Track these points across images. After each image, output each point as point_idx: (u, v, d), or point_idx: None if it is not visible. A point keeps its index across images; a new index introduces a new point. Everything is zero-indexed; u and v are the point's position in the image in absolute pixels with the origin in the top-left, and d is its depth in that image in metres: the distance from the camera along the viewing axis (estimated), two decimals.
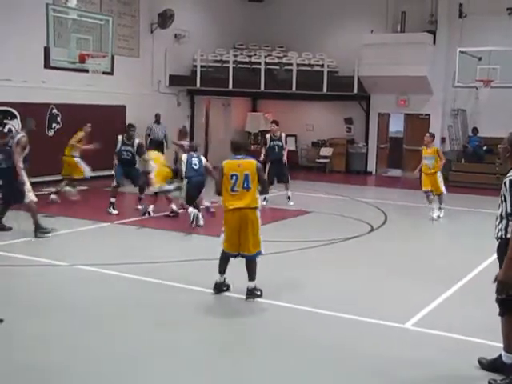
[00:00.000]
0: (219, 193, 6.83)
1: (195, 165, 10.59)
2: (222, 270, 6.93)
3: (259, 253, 6.84)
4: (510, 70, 16.39)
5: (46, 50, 12.69)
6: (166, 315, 6.45)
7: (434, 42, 19.85)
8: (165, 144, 17.18)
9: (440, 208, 12.32)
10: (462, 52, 17.40)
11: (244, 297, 6.86)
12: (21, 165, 9.61)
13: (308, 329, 6.24)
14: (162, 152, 15.56)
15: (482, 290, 5.00)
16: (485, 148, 19.20)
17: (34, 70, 14.32)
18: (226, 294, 7.06)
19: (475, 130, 19.48)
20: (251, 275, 6.81)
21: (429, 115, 20.31)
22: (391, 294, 7.46)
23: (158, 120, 17.74)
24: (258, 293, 6.82)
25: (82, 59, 13.23)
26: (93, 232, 10.60)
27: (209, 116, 22.27)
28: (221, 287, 6.96)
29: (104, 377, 4.98)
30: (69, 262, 8.34)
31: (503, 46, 16.68)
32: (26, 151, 9.83)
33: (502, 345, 5.06)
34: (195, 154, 10.86)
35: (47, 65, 12.92)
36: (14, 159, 9.53)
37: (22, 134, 9.93)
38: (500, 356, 5.05)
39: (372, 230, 11.29)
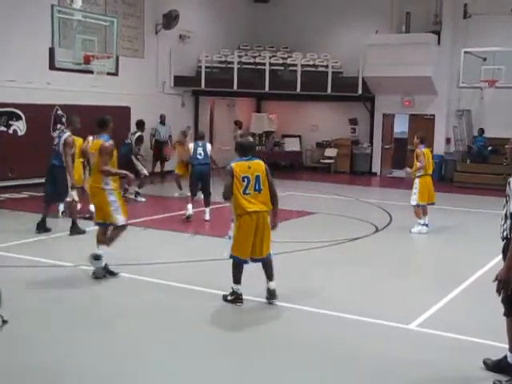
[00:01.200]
0: (228, 197, 6.50)
1: (200, 154, 11.22)
2: (239, 279, 6.67)
3: (271, 254, 6.72)
4: None
5: (51, 51, 12.65)
6: (173, 317, 6.45)
7: (439, 43, 19.83)
8: (169, 144, 17.21)
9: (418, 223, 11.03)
10: (466, 52, 17.45)
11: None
12: (70, 164, 9.88)
13: (312, 329, 6.23)
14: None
15: (487, 291, 4.97)
16: (490, 148, 19.14)
17: (38, 71, 14.33)
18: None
19: (481, 131, 19.43)
20: (271, 274, 6.66)
21: (434, 116, 20.30)
22: (395, 294, 7.45)
23: (162, 121, 17.78)
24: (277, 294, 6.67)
25: (87, 60, 13.23)
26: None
27: (213, 116, 22.28)
28: (239, 298, 6.68)
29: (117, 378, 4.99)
30: (74, 263, 8.33)
31: (508, 47, 16.67)
32: (72, 150, 10.05)
33: (507, 345, 5.04)
34: (201, 143, 11.35)
35: (52, 66, 12.90)
36: (64, 160, 9.76)
37: (68, 133, 10.05)
38: (505, 357, 5.03)
39: (377, 230, 11.29)
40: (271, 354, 5.54)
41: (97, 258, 7.50)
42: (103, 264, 7.51)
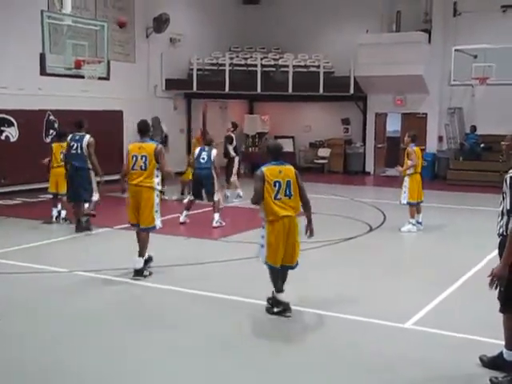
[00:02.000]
0: (257, 201, 6.41)
1: (203, 159, 11.35)
2: (281, 287, 6.50)
3: (297, 263, 6.56)
4: (505, 67, 16.49)
5: (42, 57, 12.62)
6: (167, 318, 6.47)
7: (429, 41, 19.92)
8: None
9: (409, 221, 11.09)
10: (457, 50, 17.50)
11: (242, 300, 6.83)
12: (97, 163, 10.45)
13: (308, 329, 6.28)
14: None
15: (482, 288, 5.00)
16: (482, 145, 19.24)
17: (30, 77, 14.33)
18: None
19: (473, 128, 19.51)
20: (283, 285, 6.54)
21: (426, 114, 20.38)
22: (390, 293, 7.47)
23: (154, 124, 17.66)
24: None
25: (78, 65, 13.20)
26: (93, 237, 10.63)
27: (206, 119, 22.22)
28: (288, 307, 6.44)
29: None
30: (68, 269, 8.35)
31: (498, 44, 16.67)
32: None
33: (503, 342, 5.07)
34: (206, 148, 11.47)
35: (43, 71, 12.87)
36: (90, 160, 10.39)
37: (88, 135, 10.56)
38: (501, 353, 5.05)
39: (371, 229, 11.32)
40: (271, 354, 5.56)
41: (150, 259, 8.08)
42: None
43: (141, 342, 5.78)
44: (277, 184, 6.29)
